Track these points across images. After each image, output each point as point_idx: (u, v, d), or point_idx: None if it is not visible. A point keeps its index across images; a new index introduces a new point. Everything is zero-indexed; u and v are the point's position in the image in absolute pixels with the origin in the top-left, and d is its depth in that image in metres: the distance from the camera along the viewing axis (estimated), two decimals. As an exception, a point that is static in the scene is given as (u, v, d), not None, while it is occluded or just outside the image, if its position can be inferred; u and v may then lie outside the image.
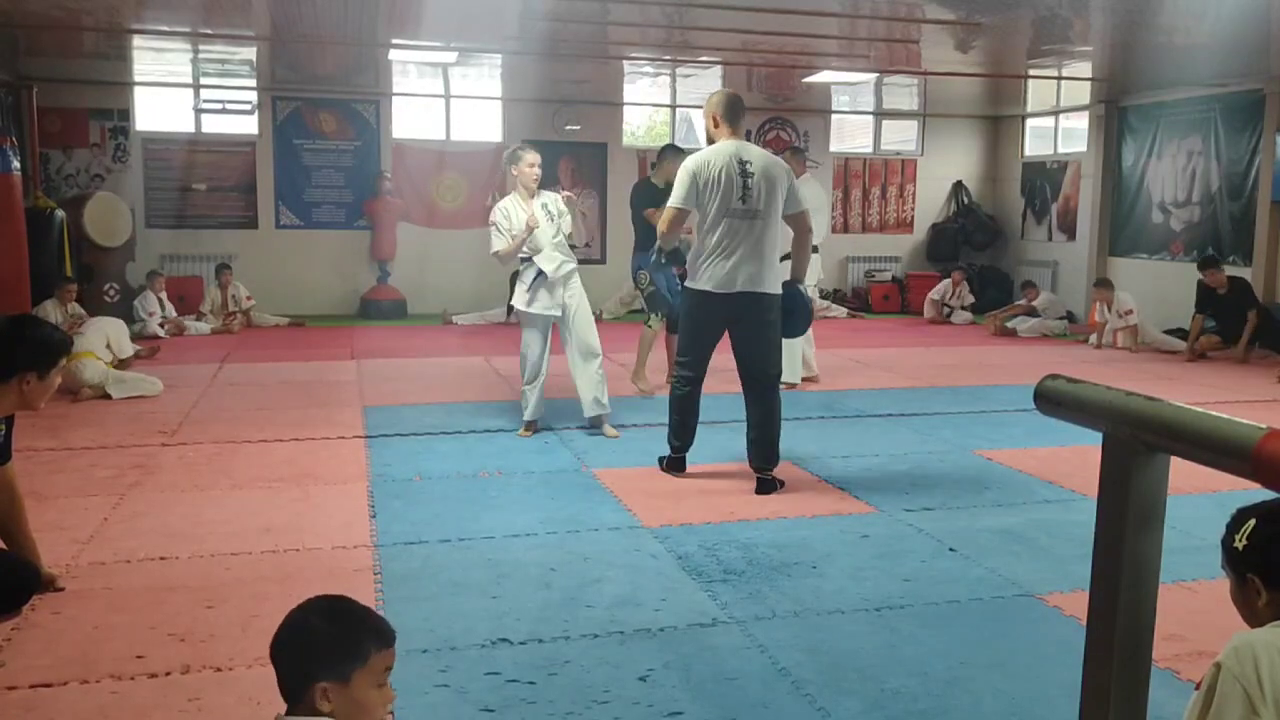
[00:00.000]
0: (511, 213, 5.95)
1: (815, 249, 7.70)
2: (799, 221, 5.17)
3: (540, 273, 5.96)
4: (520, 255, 6.01)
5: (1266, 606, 1.83)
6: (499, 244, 5.96)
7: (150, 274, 10.94)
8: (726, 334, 5.15)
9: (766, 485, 5.01)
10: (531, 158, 5.96)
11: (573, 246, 6.17)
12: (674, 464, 5.35)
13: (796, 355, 7.65)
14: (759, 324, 5.00)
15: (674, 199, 5.03)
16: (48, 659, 3.06)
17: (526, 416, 6.17)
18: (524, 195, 5.97)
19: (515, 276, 11.80)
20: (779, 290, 5.03)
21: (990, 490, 5.11)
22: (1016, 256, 14.34)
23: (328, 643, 1.78)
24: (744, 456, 5.64)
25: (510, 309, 11.86)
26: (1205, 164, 11.36)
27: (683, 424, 5.30)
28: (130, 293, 10.79)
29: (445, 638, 3.26)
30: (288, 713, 1.78)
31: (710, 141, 5.10)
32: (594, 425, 6.18)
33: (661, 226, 5.16)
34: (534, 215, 5.88)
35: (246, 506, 4.64)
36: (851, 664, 3.12)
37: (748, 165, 4.92)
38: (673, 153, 7.46)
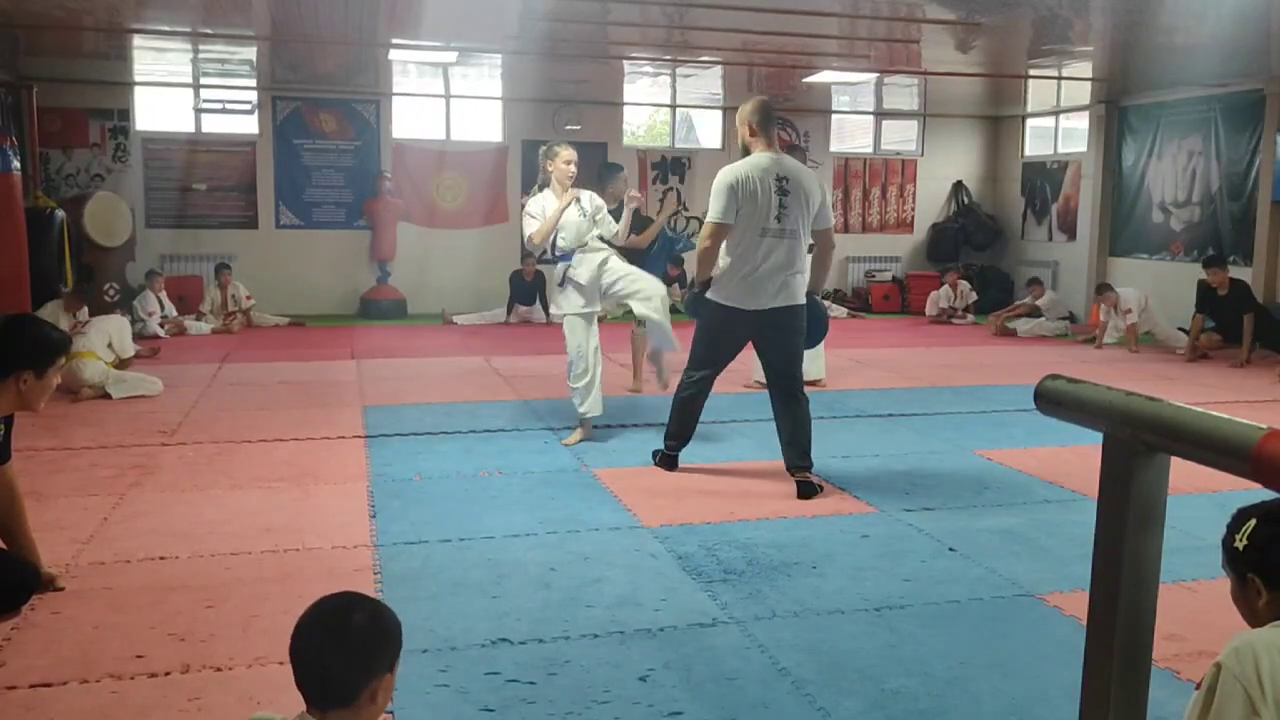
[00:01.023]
0: (545, 203, 5.89)
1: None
2: (825, 237, 5.13)
3: (573, 273, 5.89)
4: (558, 255, 5.94)
5: (1267, 606, 1.83)
6: (530, 228, 5.88)
7: (149, 273, 10.94)
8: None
9: (808, 488, 4.92)
10: (568, 154, 5.87)
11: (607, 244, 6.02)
12: (667, 460, 5.37)
13: None
14: (789, 333, 4.98)
15: (714, 213, 4.81)
16: (48, 659, 3.06)
17: (583, 411, 5.91)
18: (557, 191, 5.90)
19: (516, 276, 11.96)
20: (804, 300, 5.00)
21: (990, 490, 5.11)
22: (1017, 256, 14.34)
23: (389, 637, 1.78)
24: (745, 456, 5.66)
25: (510, 308, 12.02)
26: (1205, 164, 11.36)
27: (683, 425, 5.32)
28: (130, 293, 10.80)
29: (445, 637, 3.26)
30: (322, 715, 1.72)
31: (746, 151, 4.96)
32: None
33: (704, 243, 4.84)
34: (565, 200, 5.81)
35: (246, 506, 4.64)
36: (851, 664, 3.12)
37: (785, 183, 4.82)
38: (615, 171, 7.21)
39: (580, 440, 5.93)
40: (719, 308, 4.95)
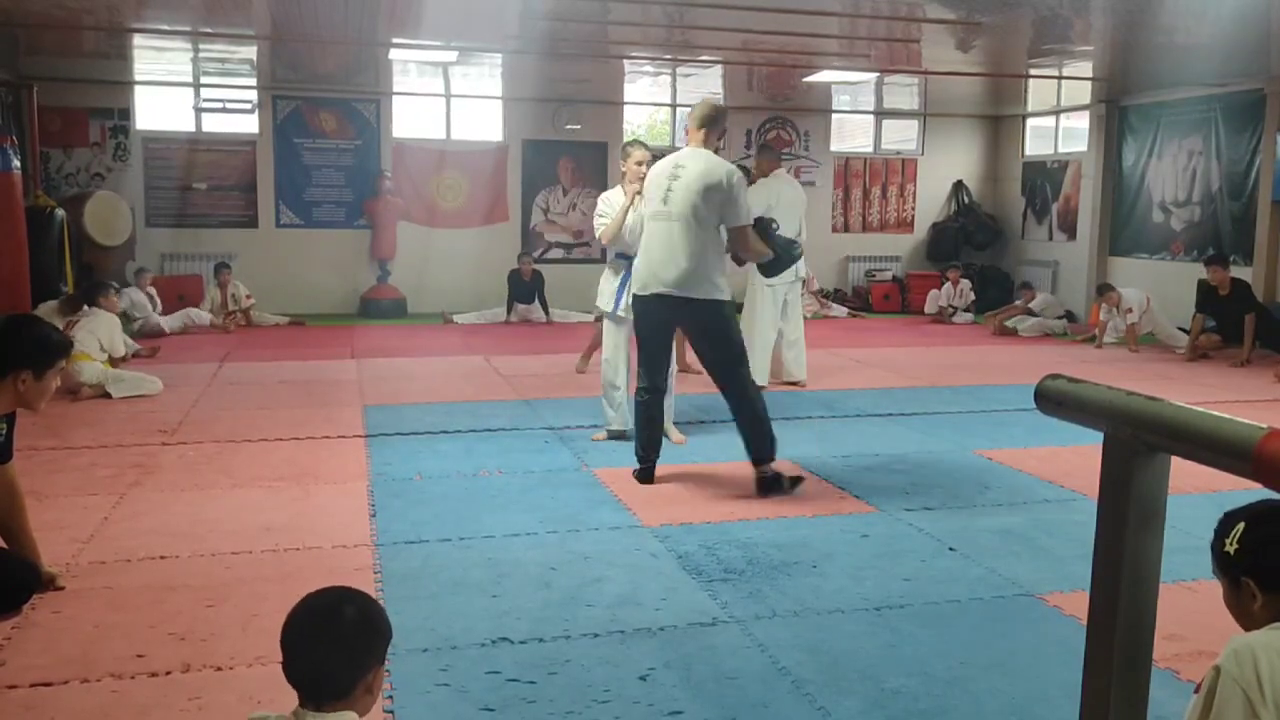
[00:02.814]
0: (614, 199, 5.92)
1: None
2: (734, 236, 4.94)
3: (629, 272, 5.76)
4: (617, 252, 5.94)
5: (1263, 609, 1.81)
6: (600, 227, 5.93)
7: (138, 271, 10.90)
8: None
9: (764, 484, 4.89)
10: (640, 155, 5.83)
11: None
12: (640, 474, 5.15)
13: (766, 355, 7.59)
14: (696, 328, 5.00)
15: None
16: (48, 658, 3.06)
17: (611, 426, 5.99)
18: (626, 189, 5.86)
19: (514, 275, 11.95)
20: (715, 297, 4.86)
21: (990, 490, 5.11)
22: (1017, 256, 14.34)
23: (379, 629, 1.80)
24: (744, 456, 5.65)
25: (510, 308, 12.01)
26: (1205, 164, 11.35)
27: (642, 435, 5.15)
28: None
29: (445, 637, 3.26)
30: (317, 709, 1.74)
31: None
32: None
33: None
34: (630, 195, 5.76)
35: (247, 506, 4.64)
36: (851, 664, 3.12)
37: (680, 169, 4.91)
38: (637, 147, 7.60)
39: (605, 438, 6.00)
40: (634, 298, 5.09)
